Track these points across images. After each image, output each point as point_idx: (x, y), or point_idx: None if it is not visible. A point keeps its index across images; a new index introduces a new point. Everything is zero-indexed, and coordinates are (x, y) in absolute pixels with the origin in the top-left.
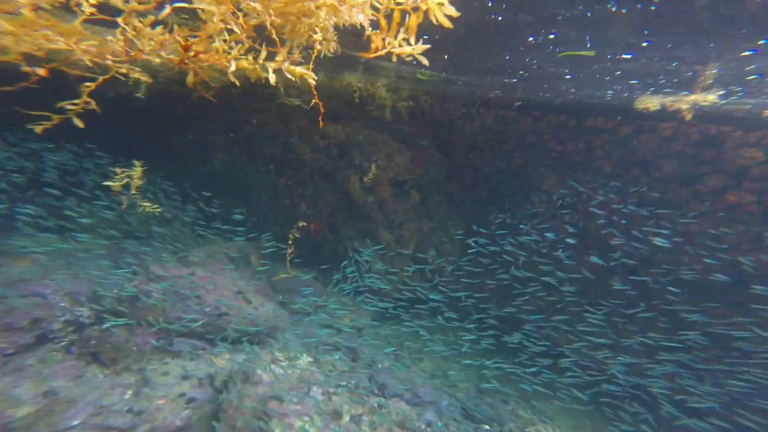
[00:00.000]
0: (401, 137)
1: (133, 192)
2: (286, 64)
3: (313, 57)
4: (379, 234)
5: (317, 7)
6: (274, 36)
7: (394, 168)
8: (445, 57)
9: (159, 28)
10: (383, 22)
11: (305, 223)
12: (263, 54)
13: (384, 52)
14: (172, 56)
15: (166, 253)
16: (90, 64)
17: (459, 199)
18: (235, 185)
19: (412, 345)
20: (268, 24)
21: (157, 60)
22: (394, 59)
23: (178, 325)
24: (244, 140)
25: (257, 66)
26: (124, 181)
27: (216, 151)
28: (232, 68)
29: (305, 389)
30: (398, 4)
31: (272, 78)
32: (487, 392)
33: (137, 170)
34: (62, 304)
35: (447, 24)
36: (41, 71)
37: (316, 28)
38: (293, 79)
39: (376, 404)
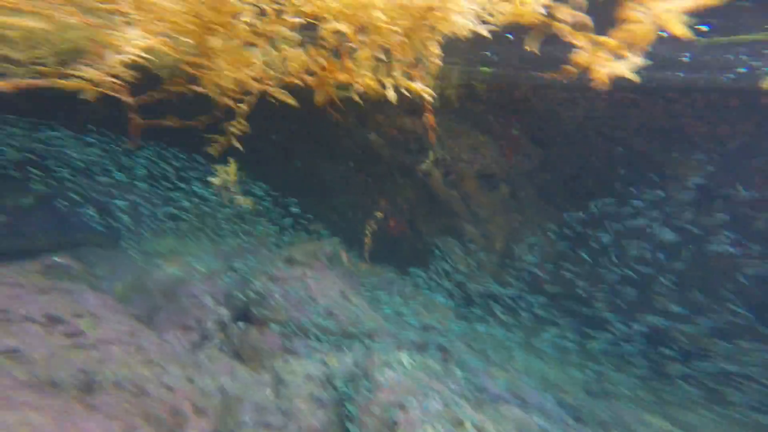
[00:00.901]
0: (487, 128)
1: (230, 187)
2: (404, 81)
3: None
4: (464, 229)
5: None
6: (396, 53)
7: (480, 160)
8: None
9: (300, 51)
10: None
11: (382, 214)
12: (383, 71)
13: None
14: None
15: (269, 251)
16: (255, 89)
17: (556, 191)
18: (315, 184)
19: (502, 344)
20: (393, 42)
21: (300, 82)
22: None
23: (295, 326)
24: (323, 138)
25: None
26: (223, 178)
27: (297, 150)
28: (357, 86)
29: (422, 394)
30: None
31: (392, 96)
32: (599, 395)
33: (232, 167)
34: (210, 305)
35: (685, 34)
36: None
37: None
38: (408, 95)
39: (492, 410)
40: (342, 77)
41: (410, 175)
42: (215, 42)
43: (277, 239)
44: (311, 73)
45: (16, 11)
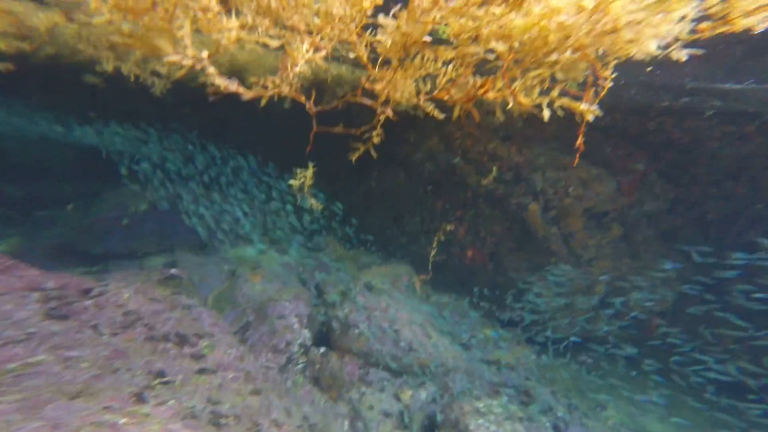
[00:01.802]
0: (602, 160)
1: (305, 190)
2: (566, 101)
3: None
4: (560, 270)
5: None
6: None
7: (591, 197)
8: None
9: (450, 67)
10: None
11: (453, 227)
12: (536, 89)
13: None
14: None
15: (344, 272)
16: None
17: (687, 237)
18: (389, 205)
19: (593, 390)
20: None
21: (447, 96)
22: None
23: (376, 357)
24: (401, 159)
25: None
26: (301, 180)
27: (373, 170)
28: (510, 104)
29: None
30: None
31: (546, 114)
32: None
33: (310, 171)
34: (296, 327)
35: None
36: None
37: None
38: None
39: None
40: (491, 95)
41: (500, 206)
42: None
43: (348, 258)
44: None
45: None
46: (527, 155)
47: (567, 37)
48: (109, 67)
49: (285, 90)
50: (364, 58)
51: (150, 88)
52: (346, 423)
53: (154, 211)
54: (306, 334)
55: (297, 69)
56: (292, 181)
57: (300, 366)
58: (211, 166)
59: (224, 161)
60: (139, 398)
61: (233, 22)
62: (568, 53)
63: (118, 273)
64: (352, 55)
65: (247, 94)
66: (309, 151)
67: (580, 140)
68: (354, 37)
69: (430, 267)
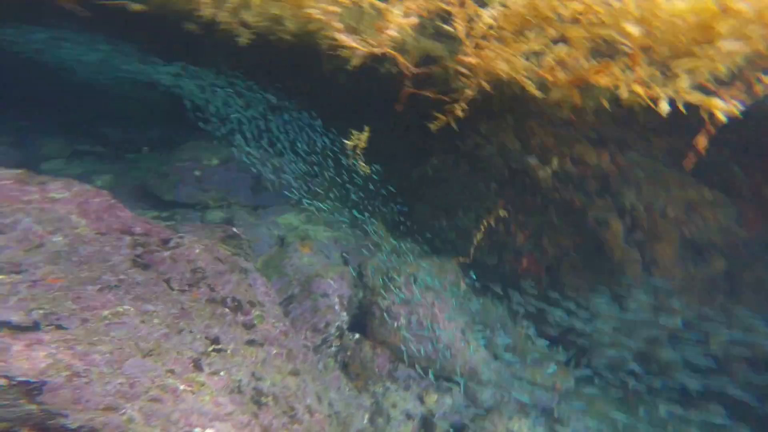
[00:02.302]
0: (723, 182)
1: (358, 153)
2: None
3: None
4: (631, 295)
5: None
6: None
7: (697, 224)
8: None
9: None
10: None
11: (506, 214)
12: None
13: None
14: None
15: (389, 259)
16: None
17: None
18: (443, 197)
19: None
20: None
21: (551, 77)
22: None
23: (410, 355)
24: (467, 150)
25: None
26: (355, 141)
27: (431, 155)
28: (625, 94)
29: None
30: None
31: (664, 108)
32: None
33: (365, 135)
34: (337, 308)
35: None
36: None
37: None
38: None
39: None
40: (604, 81)
41: (574, 218)
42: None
43: (393, 243)
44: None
45: None
46: (621, 165)
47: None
48: (206, 13)
49: (385, 50)
50: (462, 33)
51: (236, 38)
52: (366, 416)
53: (221, 165)
54: (344, 317)
55: (389, 32)
56: (346, 141)
57: (333, 349)
58: (282, 129)
59: (298, 126)
60: (197, 365)
61: None
62: (728, 43)
63: (186, 225)
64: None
65: (360, 49)
66: (371, 121)
67: (699, 147)
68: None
69: (472, 251)
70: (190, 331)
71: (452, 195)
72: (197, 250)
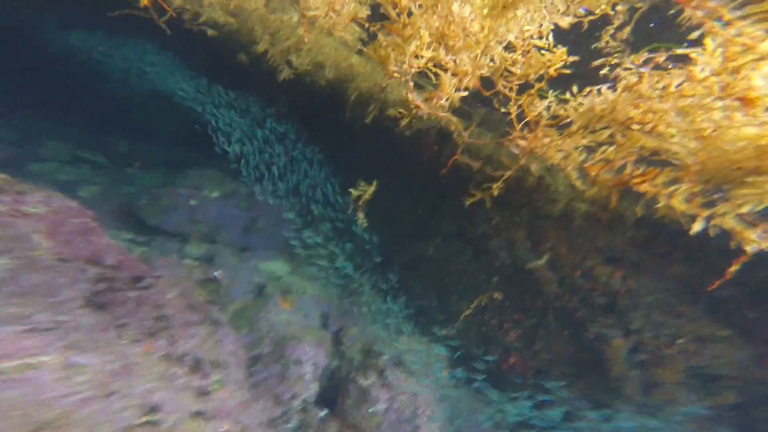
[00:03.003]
0: (737, 322)
1: (360, 205)
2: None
3: None
4: (624, 416)
5: None
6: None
7: (705, 357)
8: None
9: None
10: None
11: (500, 297)
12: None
13: None
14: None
15: (379, 331)
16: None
17: None
18: (439, 278)
19: None
20: None
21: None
22: None
23: None
24: (474, 237)
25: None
26: (360, 192)
27: (436, 236)
28: (662, 203)
29: None
30: None
31: (697, 227)
32: None
33: (372, 188)
34: (308, 377)
35: None
36: None
37: None
38: None
39: None
40: (645, 189)
41: (573, 328)
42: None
43: (380, 313)
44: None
45: None
46: (632, 287)
47: None
48: (261, 48)
49: (448, 116)
50: (513, 116)
51: (278, 73)
52: None
53: (221, 199)
54: (313, 389)
55: (442, 102)
56: (352, 190)
57: (291, 425)
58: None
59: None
60: None
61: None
62: None
63: (162, 259)
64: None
65: (424, 109)
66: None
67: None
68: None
69: (457, 324)
70: (124, 396)
71: (449, 277)
72: (169, 296)
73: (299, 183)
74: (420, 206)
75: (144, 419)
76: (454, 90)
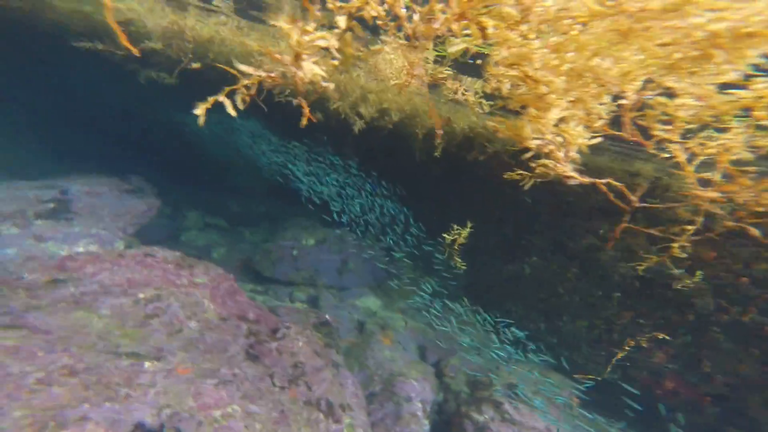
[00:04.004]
0: None
1: (455, 249)
2: None
3: None
4: None
5: None
6: None
7: None
8: None
9: None
10: None
11: (665, 337)
12: None
13: None
14: None
15: (485, 366)
16: None
17: None
18: (541, 296)
19: None
20: None
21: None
22: None
23: None
24: (578, 251)
25: None
26: (455, 237)
27: (530, 254)
28: None
29: None
30: None
31: None
32: None
33: (466, 231)
34: (420, 413)
35: None
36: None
37: None
38: None
39: None
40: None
41: (755, 342)
42: None
43: (487, 348)
44: None
45: None
46: None
47: None
48: (333, 106)
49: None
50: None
51: (351, 126)
52: None
53: (315, 246)
54: (426, 427)
55: (570, 153)
56: (446, 235)
57: None
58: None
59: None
60: None
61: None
62: None
63: (282, 307)
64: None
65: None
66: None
67: None
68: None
69: (589, 378)
70: None
71: (555, 297)
72: (300, 343)
73: (384, 221)
74: (505, 225)
75: None
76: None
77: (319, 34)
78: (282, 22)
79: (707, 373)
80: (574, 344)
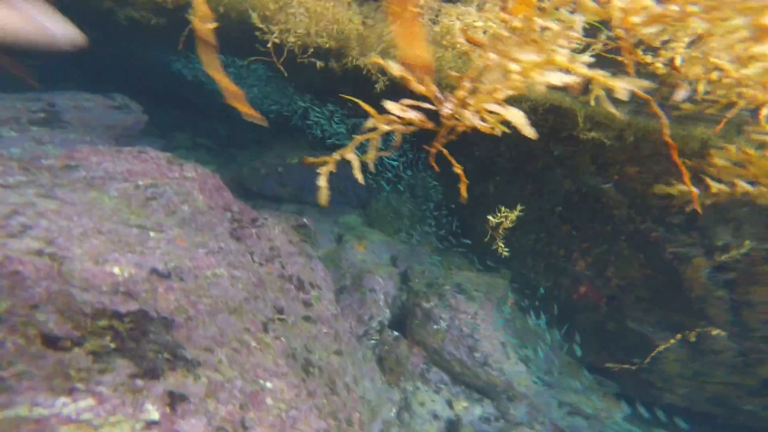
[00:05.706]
0: None
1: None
2: None
3: None
4: (712, 338)
5: None
6: None
7: None
8: None
9: None
10: None
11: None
12: None
13: None
14: None
15: (437, 265)
16: None
17: None
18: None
19: None
20: None
21: None
22: None
23: (445, 359)
24: (534, 171)
25: None
26: (500, 219)
27: (496, 174)
28: None
29: None
30: None
31: None
32: None
33: (515, 213)
34: (382, 303)
35: None
36: None
37: None
38: None
39: None
40: None
41: (647, 251)
42: None
43: (441, 254)
44: None
45: None
46: (720, 203)
47: None
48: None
49: None
50: None
51: (374, 84)
52: (394, 410)
53: (300, 165)
54: (387, 314)
55: None
56: (490, 217)
57: (372, 341)
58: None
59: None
60: (265, 328)
61: None
62: None
63: (266, 211)
64: None
65: None
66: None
67: None
68: None
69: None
70: (263, 300)
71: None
72: (276, 231)
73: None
74: (475, 149)
75: (276, 316)
76: None
77: None
78: None
79: (609, 277)
80: (521, 256)
